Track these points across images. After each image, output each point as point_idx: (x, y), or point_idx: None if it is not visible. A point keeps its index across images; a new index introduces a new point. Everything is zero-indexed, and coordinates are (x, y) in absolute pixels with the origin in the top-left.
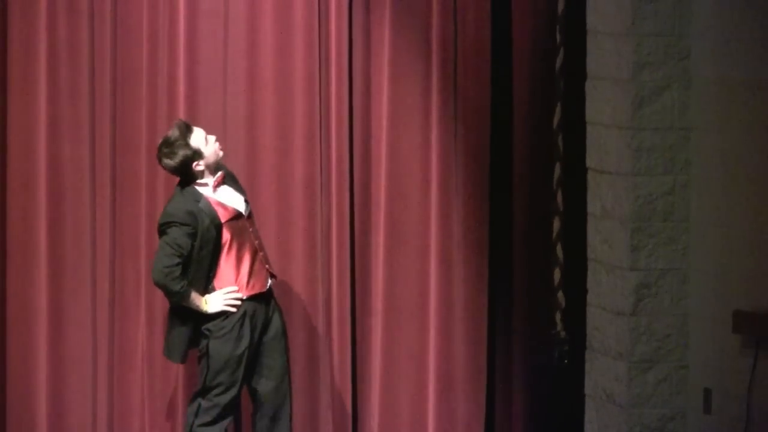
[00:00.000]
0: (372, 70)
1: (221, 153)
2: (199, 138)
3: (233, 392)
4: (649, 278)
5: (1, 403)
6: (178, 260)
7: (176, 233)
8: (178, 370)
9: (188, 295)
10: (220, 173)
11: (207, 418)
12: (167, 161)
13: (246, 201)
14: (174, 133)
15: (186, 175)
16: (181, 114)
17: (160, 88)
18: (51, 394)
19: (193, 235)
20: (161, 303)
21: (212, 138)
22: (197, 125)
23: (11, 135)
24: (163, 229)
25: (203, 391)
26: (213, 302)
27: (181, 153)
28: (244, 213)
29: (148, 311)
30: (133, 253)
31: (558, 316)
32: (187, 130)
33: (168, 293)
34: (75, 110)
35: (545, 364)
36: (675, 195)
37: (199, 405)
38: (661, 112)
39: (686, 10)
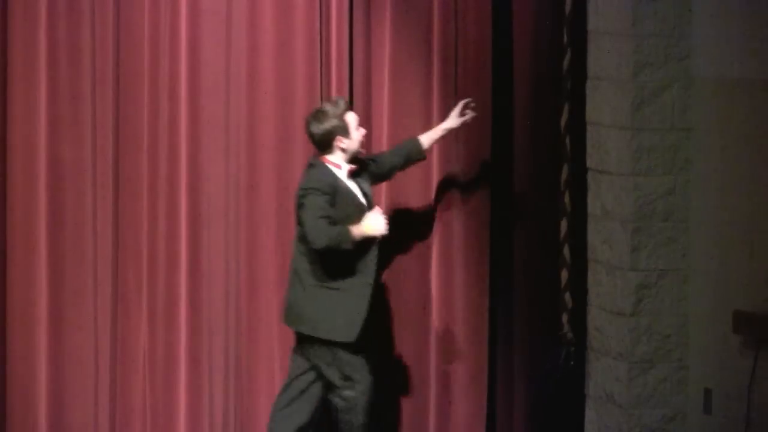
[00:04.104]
0: (373, 71)
1: (363, 150)
2: (352, 120)
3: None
4: (649, 278)
5: (1, 403)
6: (323, 216)
7: (315, 199)
8: (180, 370)
9: (349, 231)
10: (352, 165)
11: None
12: (315, 124)
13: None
14: (332, 105)
15: (324, 146)
16: (183, 114)
17: (162, 88)
18: (52, 395)
19: (331, 205)
20: (163, 304)
21: (362, 130)
22: (199, 125)
23: (12, 135)
24: (302, 201)
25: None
26: (373, 223)
27: (331, 123)
28: (365, 211)
29: (150, 312)
30: (135, 254)
31: (565, 318)
32: (345, 107)
33: (334, 242)
34: (76, 111)
35: (551, 365)
36: (675, 195)
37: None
38: (661, 112)
39: (686, 10)
